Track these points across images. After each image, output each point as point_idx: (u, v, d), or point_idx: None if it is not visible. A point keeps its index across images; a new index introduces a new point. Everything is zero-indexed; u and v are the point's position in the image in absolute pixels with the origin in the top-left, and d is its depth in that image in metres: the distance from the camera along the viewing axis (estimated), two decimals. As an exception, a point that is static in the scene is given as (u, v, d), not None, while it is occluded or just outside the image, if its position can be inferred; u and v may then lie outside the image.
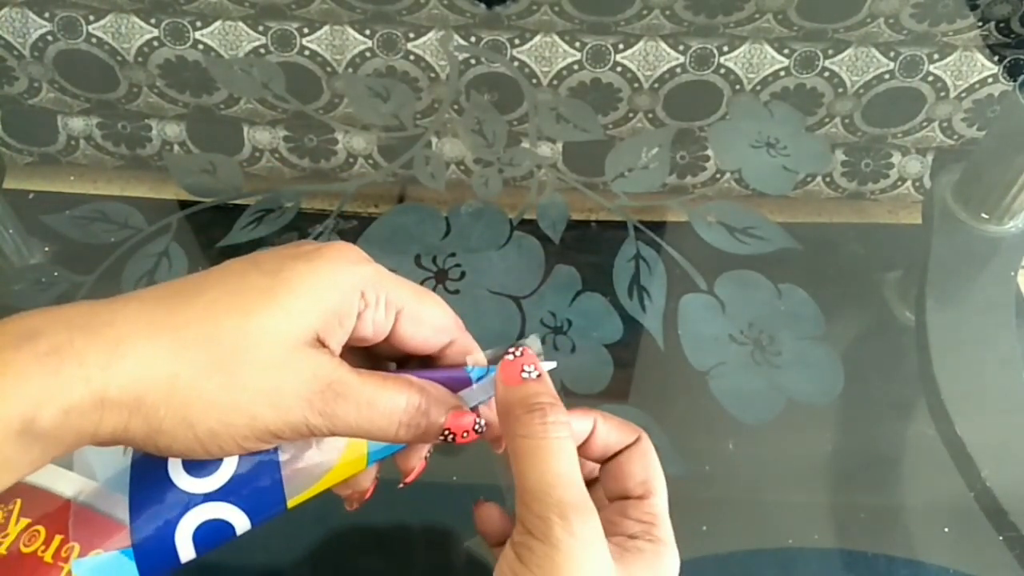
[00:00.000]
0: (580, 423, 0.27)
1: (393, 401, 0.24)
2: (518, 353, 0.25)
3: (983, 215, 0.51)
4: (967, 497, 0.43)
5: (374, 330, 0.26)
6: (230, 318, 0.23)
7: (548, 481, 0.23)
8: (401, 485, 0.28)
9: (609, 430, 0.27)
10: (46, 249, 0.53)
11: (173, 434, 0.22)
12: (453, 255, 0.51)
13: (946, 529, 0.43)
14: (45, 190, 0.59)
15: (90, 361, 0.21)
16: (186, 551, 0.24)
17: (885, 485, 0.46)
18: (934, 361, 0.47)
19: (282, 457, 0.25)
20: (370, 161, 0.70)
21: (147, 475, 0.24)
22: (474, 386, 0.27)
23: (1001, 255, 0.52)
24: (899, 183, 0.74)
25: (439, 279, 0.50)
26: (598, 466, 0.28)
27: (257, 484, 0.25)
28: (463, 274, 0.50)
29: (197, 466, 0.24)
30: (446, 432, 0.25)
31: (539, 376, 0.25)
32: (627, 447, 0.27)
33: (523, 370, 0.25)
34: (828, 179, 0.73)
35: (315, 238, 0.52)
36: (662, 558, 0.25)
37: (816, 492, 0.45)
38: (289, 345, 0.23)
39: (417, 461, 0.28)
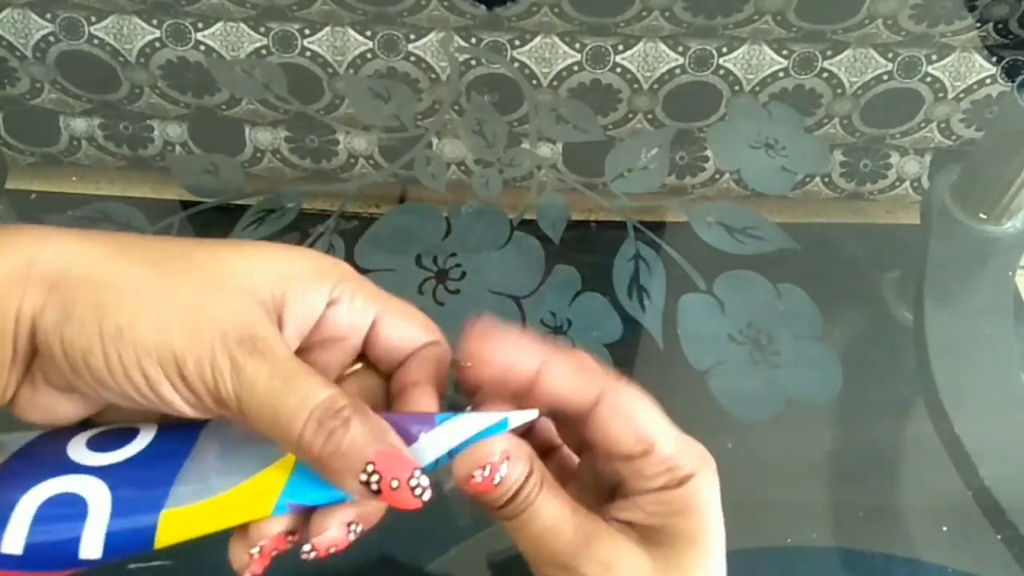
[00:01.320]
0: (522, 361, 0.22)
1: (312, 388, 0.20)
2: (491, 457, 0.21)
3: (981, 215, 0.51)
4: (965, 496, 0.43)
5: (349, 329, 0.23)
6: (182, 244, 0.22)
7: (537, 545, 0.21)
8: (305, 554, 0.21)
9: (561, 380, 0.22)
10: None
11: (81, 322, 0.20)
12: (454, 255, 0.52)
13: (944, 528, 0.43)
14: (47, 190, 0.59)
15: (26, 238, 0.20)
16: (89, 556, 0.20)
17: (883, 484, 0.46)
18: (932, 361, 0.47)
19: (192, 451, 0.22)
20: (371, 162, 0.71)
21: (43, 442, 0.22)
22: (421, 438, 0.21)
23: (999, 255, 0.52)
24: (897, 183, 0.74)
25: (439, 279, 0.50)
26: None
27: (146, 472, 0.21)
28: (463, 274, 0.50)
29: (103, 443, 0.21)
30: (369, 471, 0.20)
31: (506, 468, 0.21)
32: (593, 408, 0.22)
33: (494, 477, 0.21)
34: (827, 179, 0.73)
35: (316, 238, 0.52)
36: (699, 494, 0.22)
37: (815, 491, 0.45)
38: (233, 281, 0.21)
39: (335, 527, 0.21)
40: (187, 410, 0.21)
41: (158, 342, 0.20)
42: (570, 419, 0.23)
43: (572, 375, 0.22)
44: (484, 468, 0.21)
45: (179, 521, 0.20)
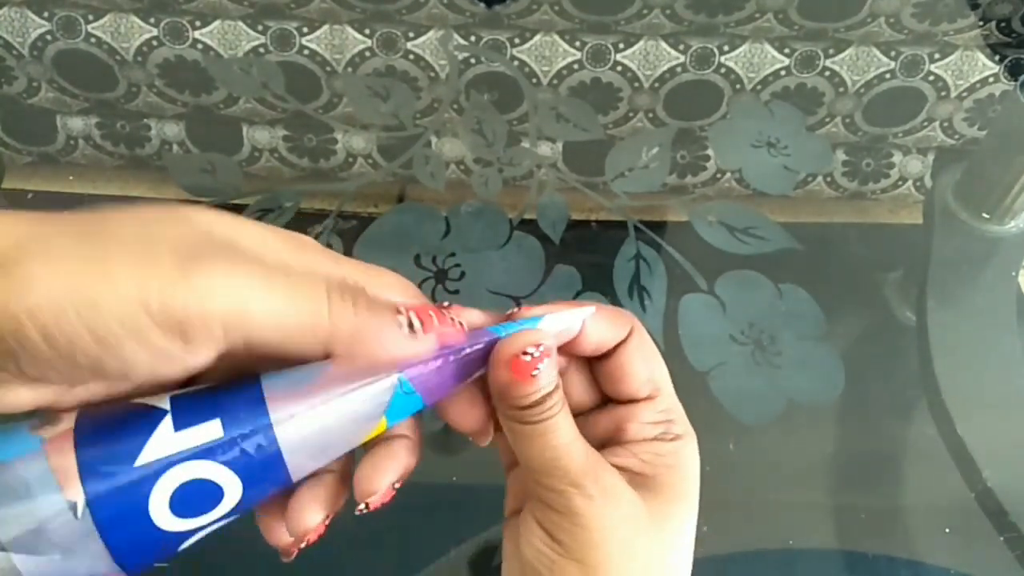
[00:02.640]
0: (568, 319, 0.23)
1: (316, 266, 0.20)
2: (535, 349, 0.21)
3: (984, 215, 0.51)
4: (968, 497, 0.43)
5: None
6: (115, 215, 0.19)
7: (552, 456, 0.22)
8: (360, 510, 0.22)
9: (600, 325, 0.24)
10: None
11: (4, 305, 0.17)
12: (453, 255, 0.51)
13: (947, 530, 0.43)
14: (44, 190, 0.59)
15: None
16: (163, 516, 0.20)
17: (886, 485, 0.46)
18: (935, 361, 0.47)
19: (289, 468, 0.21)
20: (370, 161, 0.70)
21: (127, 536, 0.20)
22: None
23: (1002, 255, 0.52)
24: (900, 183, 0.74)
25: (439, 279, 0.50)
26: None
27: (264, 494, 0.21)
28: (463, 274, 0.50)
29: (190, 508, 0.20)
30: (409, 315, 0.20)
31: (546, 366, 0.22)
32: (622, 343, 0.24)
33: (535, 368, 0.21)
34: (829, 179, 0.73)
35: (314, 238, 0.52)
36: (685, 455, 0.24)
37: (817, 492, 0.45)
38: (177, 206, 0.19)
39: (381, 479, 0.22)
40: (170, 356, 0.18)
41: (103, 293, 0.17)
42: (596, 358, 0.24)
43: (611, 314, 0.24)
44: (537, 348, 0.21)
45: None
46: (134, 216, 0.19)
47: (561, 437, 0.22)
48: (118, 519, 0.19)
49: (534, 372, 0.21)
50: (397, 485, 0.22)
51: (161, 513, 0.20)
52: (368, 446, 0.23)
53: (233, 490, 0.20)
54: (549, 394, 0.22)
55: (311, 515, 0.21)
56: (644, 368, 0.24)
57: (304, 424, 0.20)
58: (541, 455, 0.22)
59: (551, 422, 0.22)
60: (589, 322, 0.23)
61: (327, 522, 0.22)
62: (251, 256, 0.19)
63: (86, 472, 0.19)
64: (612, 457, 0.24)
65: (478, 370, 0.23)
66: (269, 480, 0.21)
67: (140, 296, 0.17)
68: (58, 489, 0.19)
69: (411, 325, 0.20)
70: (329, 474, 0.22)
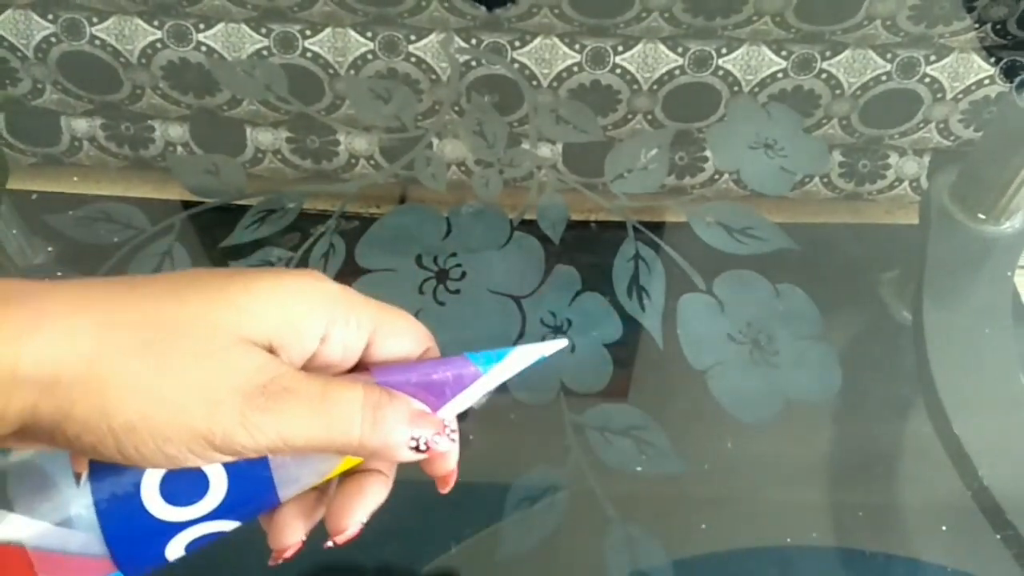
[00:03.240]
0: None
1: (349, 393, 0.22)
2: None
3: (980, 215, 0.51)
4: (964, 496, 0.43)
5: (343, 353, 0.23)
6: (169, 303, 0.20)
7: None
8: (328, 546, 0.24)
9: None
10: (49, 249, 0.53)
11: (85, 422, 0.19)
12: (454, 255, 0.52)
13: (944, 528, 0.43)
14: (49, 191, 0.59)
15: (4, 333, 0.19)
16: (176, 557, 0.23)
17: (883, 484, 0.46)
18: (931, 360, 0.47)
19: (274, 474, 0.23)
20: (372, 162, 0.71)
21: (118, 512, 0.21)
22: (448, 402, 0.24)
23: (997, 255, 0.52)
24: (896, 184, 0.74)
25: (440, 279, 0.50)
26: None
27: (250, 501, 0.23)
28: (464, 274, 0.51)
29: (179, 495, 0.22)
30: (416, 439, 0.23)
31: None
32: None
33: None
34: (826, 180, 0.73)
35: (317, 238, 0.52)
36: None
37: (814, 491, 0.45)
38: (232, 337, 0.20)
39: (445, 464, 0.25)
40: (221, 462, 0.22)
41: (177, 428, 0.20)
42: None
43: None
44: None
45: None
46: (199, 341, 0.21)
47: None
48: (113, 496, 0.21)
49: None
50: (365, 520, 0.24)
51: (152, 496, 0.22)
52: (343, 476, 0.24)
53: (219, 482, 0.22)
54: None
55: (292, 533, 0.24)
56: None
57: None
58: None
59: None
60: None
61: (305, 537, 0.24)
62: (297, 385, 0.21)
63: (92, 469, 0.21)
64: None
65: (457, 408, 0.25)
66: (254, 479, 0.22)
67: (207, 436, 0.20)
68: (68, 462, 0.21)
69: (417, 448, 0.23)
70: (311, 491, 0.24)
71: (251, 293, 0.21)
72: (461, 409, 0.25)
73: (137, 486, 0.21)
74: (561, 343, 0.26)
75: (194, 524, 0.22)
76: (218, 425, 0.20)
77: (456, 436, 0.24)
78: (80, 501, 0.21)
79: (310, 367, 0.23)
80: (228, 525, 0.23)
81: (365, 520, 0.24)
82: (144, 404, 0.20)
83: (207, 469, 0.22)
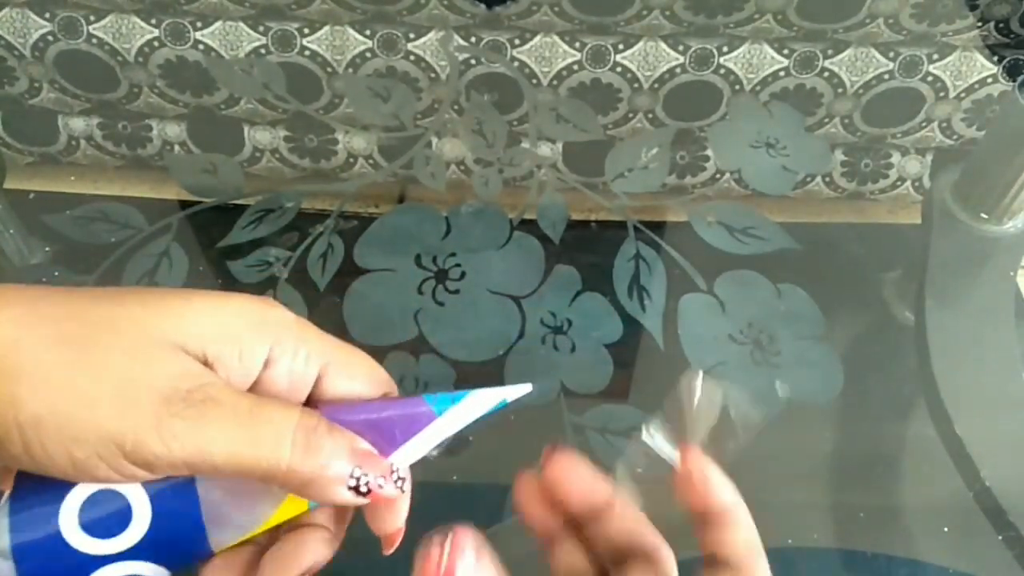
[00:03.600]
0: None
1: (282, 412, 0.20)
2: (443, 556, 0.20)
3: (982, 215, 0.51)
4: (966, 496, 0.43)
5: (290, 384, 0.21)
6: (103, 304, 0.19)
7: None
8: (388, 550, 0.23)
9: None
10: (47, 249, 0.53)
11: None
12: (453, 255, 0.51)
13: (945, 529, 0.43)
14: (46, 190, 0.59)
15: None
16: None
17: (884, 485, 0.46)
18: (933, 361, 0.47)
19: (204, 509, 0.21)
20: (370, 161, 0.70)
21: (35, 543, 0.20)
22: (399, 447, 0.22)
23: (1000, 255, 0.52)
24: (898, 183, 0.74)
25: (439, 279, 0.50)
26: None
27: (177, 540, 0.21)
28: (463, 274, 0.50)
29: (99, 525, 0.20)
30: (357, 478, 0.21)
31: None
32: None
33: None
34: (828, 179, 0.73)
35: (315, 238, 0.52)
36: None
37: (815, 492, 0.45)
38: (162, 341, 0.19)
39: (392, 520, 0.23)
40: (136, 479, 0.20)
41: (85, 426, 0.18)
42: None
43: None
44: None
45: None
46: (125, 338, 0.19)
47: None
48: (31, 519, 0.20)
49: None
50: None
51: (70, 523, 0.20)
52: (285, 528, 0.23)
53: (142, 513, 0.20)
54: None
55: None
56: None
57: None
58: None
59: None
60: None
61: None
62: (225, 397, 0.20)
63: (15, 488, 0.20)
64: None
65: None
66: (180, 515, 0.21)
67: (117, 438, 0.19)
68: None
69: (357, 489, 0.21)
70: (251, 547, 0.22)
71: (191, 305, 0.20)
72: (414, 457, 0.22)
73: (56, 510, 0.20)
74: (525, 388, 0.24)
75: (115, 561, 0.20)
76: (129, 427, 0.18)
77: (406, 486, 0.22)
78: None
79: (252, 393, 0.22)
80: (155, 570, 0.21)
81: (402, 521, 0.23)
82: (55, 396, 0.18)
83: (130, 497, 0.20)
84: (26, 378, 0.18)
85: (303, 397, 0.22)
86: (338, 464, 0.20)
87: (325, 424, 0.21)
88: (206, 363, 0.20)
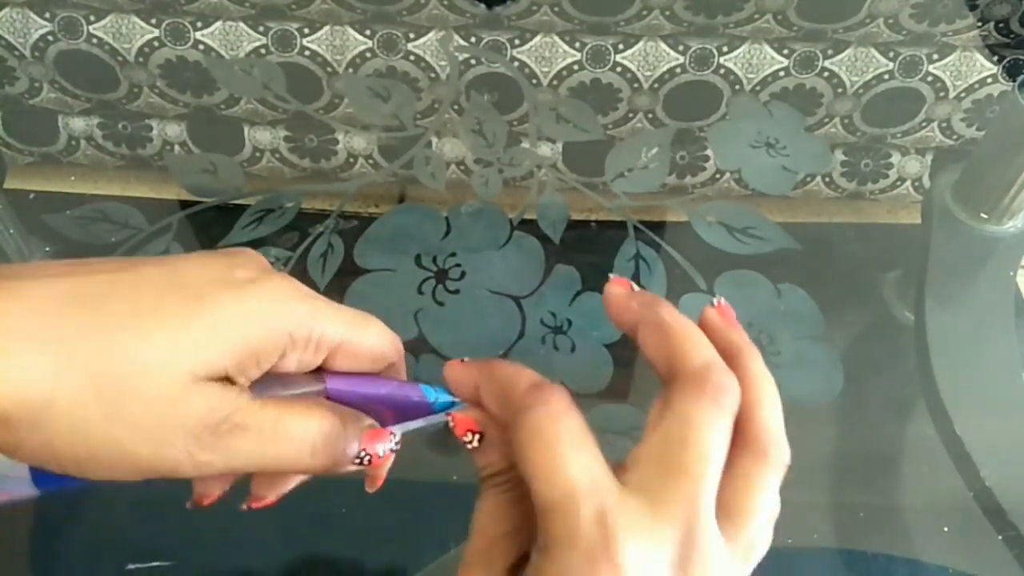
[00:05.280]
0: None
1: (303, 426, 0.22)
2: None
3: (982, 215, 0.51)
4: (966, 496, 0.43)
5: (298, 367, 0.24)
6: (129, 340, 0.21)
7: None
8: (371, 489, 0.26)
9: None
10: (47, 249, 0.53)
11: (33, 455, 0.20)
12: (453, 255, 0.51)
13: (945, 528, 0.43)
14: (46, 190, 0.59)
15: None
16: None
17: (884, 484, 0.46)
18: (933, 361, 0.47)
19: None
20: (370, 161, 0.70)
21: None
22: (395, 432, 0.25)
23: (1000, 255, 0.52)
24: (898, 183, 0.74)
25: (439, 279, 0.50)
26: None
27: None
28: (463, 274, 0.50)
29: None
30: (363, 455, 0.24)
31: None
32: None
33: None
34: (827, 179, 0.73)
35: (315, 238, 0.52)
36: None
37: (816, 492, 0.45)
38: (187, 379, 0.21)
39: (272, 491, 0.25)
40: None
41: (123, 465, 0.21)
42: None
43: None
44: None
45: None
46: (153, 383, 0.21)
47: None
48: None
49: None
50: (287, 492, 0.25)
51: None
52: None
53: None
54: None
55: (218, 485, 0.25)
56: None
57: None
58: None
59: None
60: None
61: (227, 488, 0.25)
62: (251, 421, 0.22)
63: None
64: None
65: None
66: None
67: (154, 472, 0.21)
68: None
69: (362, 462, 0.24)
70: None
71: (212, 328, 0.21)
72: (409, 428, 0.25)
73: None
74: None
75: None
76: (166, 465, 0.21)
77: (397, 445, 0.25)
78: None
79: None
80: None
81: (287, 492, 0.25)
82: (92, 446, 0.20)
83: None
84: (64, 435, 0.20)
85: (308, 370, 0.24)
86: (350, 452, 0.23)
87: (339, 425, 0.23)
88: (228, 377, 0.22)
